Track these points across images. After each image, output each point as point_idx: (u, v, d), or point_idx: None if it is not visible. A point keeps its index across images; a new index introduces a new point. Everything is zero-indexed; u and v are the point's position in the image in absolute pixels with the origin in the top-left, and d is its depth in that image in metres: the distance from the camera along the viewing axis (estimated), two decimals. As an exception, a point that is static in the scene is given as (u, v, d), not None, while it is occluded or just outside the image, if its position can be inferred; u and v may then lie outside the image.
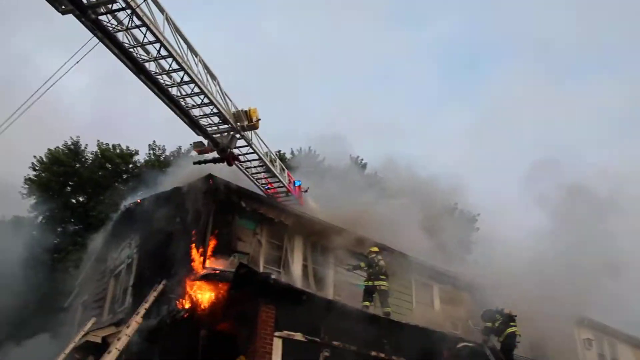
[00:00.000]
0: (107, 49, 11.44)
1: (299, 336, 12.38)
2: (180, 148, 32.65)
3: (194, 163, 14.81)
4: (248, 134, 14.54)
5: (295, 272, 15.52)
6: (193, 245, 14.45)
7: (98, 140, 32.18)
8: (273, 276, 12.24)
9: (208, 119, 13.81)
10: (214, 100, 13.26)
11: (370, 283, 15.00)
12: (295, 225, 15.93)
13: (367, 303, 14.77)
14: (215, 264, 13.92)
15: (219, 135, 14.25)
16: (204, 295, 13.45)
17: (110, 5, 10.95)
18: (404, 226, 17.32)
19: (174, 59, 11.97)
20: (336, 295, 15.52)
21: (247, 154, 15.04)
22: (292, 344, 12.05)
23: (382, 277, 15.05)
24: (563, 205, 20.05)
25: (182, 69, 12.15)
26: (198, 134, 14.10)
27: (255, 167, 15.62)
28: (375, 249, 15.40)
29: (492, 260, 18.16)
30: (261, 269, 14.64)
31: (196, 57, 12.57)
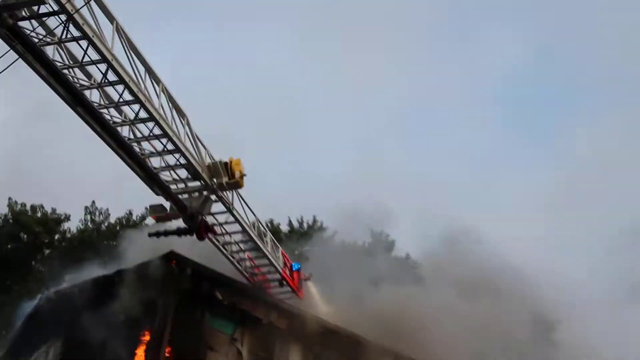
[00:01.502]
0: (30, 69, 11.35)
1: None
2: (130, 213, 32.78)
3: (150, 235, 14.61)
4: (228, 195, 14.75)
5: None
6: (142, 355, 14.36)
7: (10, 199, 31.50)
8: None
9: (172, 172, 14.08)
10: (180, 146, 13.32)
11: None
12: (291, 329, 15.90)
13: None
14: None
15: (187, 196, 14.43)
16: None
17: (36, 8, 10.68)
18: (455, 336, 17.39)
19: (126, 86, 11.92)
20: None
21: (227, 223, 15.19)
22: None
23: None
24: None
25: (137, 100, 12.11)
26: (158, 194, 14.15)
27: (237, 242, 15.61)
28: None
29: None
30: None
31: (158, 84, 12.68)
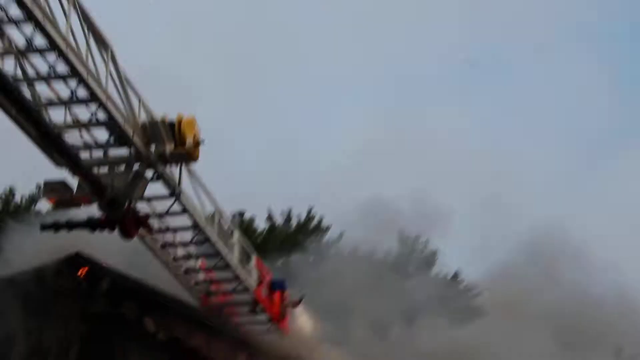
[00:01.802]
0: None
1: None
2: (11, 193, 29.35)
3: (44, 228, 13.26)
4: (174, 171, 13.38)
5: None
6: None
7: None
8: None
9: (85, 132, 12.60)
10: (95, 89, 11.62)
11: None
12: None
13: None
14: None
15: (107, 170, 13.08)
16: None
17: None
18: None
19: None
20: None
21: (169, 215, 13.92)
22: None
23: None
24: None
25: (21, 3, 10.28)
26: (60, 164, 12.58)
27: (184, 245, 14.20)
28: None
29: None
30: None
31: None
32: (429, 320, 17.95)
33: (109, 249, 13.94)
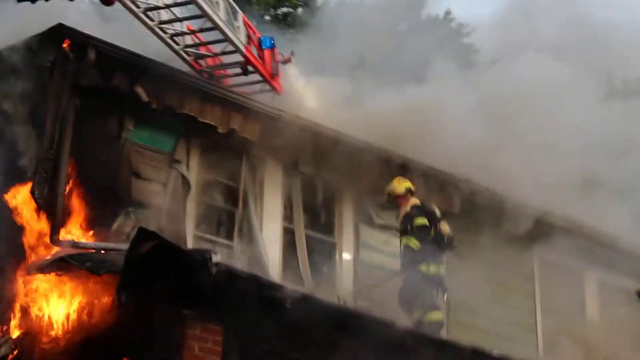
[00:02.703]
0: None
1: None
2: None
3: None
4: None
5: (268, 246, 14.17)
6: (29, 188, 12.50)
7: None
8: (217, 257, 10.49)
9: None
10: None
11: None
12: (265, 141, 14.31)
13: None
14: (82, 234, 12.46)
15: None
16: (55, 309, 11.76)
17: None
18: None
19: None
20: (358, 296, 14.66)
21: None
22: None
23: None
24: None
25: None
26: None
27: (167, 6, 13.63)
28: (409, 184, 14.20)
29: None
30: (189, 241, 13.38)
31: None
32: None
33: (92, 22, 13.48)
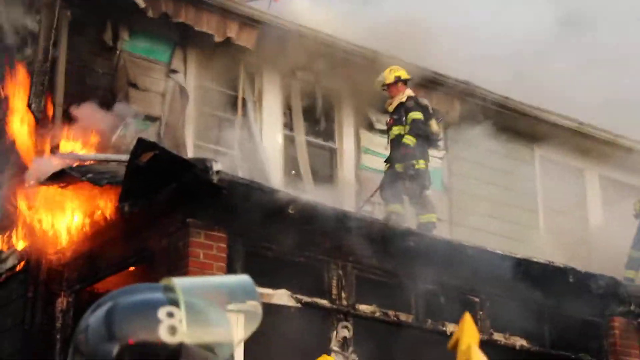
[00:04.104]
0: None
1: (282, 296, 11.24)
2: None
3: None
4: None
5: (269, 153, 14.49)
6: (25, 105, 12.82)
7: None
8: (218, 166, 10.58)
9: None
10: None
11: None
12: (263, 48, 14.27)
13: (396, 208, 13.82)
14: (81, 146, 12.80)
15: None
16: (59, 221, 12.30)
17: None
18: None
19: None
20: (362, 200, 14.69)
21: None
22: (270, 312, 10.14)
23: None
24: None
25: None
26: None
27: None
28: (400, 72, 13.91)
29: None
30: (189, 151, 13.59)
31: None
32: None
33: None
